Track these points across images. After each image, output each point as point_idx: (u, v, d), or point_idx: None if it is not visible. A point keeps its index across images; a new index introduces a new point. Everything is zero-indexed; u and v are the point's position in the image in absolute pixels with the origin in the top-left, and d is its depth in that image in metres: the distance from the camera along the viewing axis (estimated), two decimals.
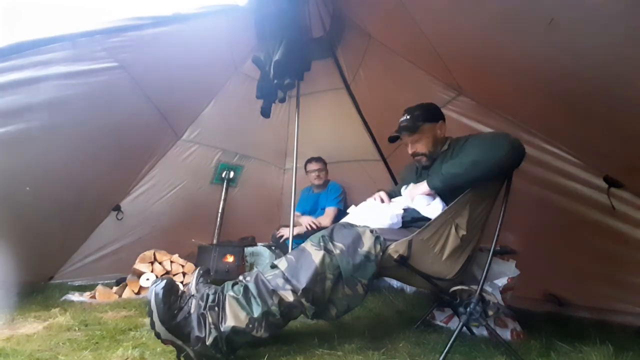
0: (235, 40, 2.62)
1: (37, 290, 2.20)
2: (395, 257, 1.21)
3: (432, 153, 1.53)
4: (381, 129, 3.11)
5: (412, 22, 1.93)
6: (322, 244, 1.22)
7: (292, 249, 2.07)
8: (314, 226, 2.58)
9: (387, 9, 2.10)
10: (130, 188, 2.75)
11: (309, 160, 2.89)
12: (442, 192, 1.37)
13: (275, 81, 2.18)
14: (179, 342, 1.11)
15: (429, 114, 1.55)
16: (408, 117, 1.55)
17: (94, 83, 1.92)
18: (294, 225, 2.31)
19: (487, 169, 1.26)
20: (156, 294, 1.10)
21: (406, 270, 1.26)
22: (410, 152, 1.57)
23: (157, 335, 1.10)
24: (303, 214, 2.87)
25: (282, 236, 2.69)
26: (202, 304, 1.15)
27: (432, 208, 1.38)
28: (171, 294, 1.14)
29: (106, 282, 2.51)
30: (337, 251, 1.20)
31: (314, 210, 2.88)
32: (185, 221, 2.98)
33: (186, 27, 2.16)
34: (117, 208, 2.68)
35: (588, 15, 1.12)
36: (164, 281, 1.14)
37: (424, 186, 1.40)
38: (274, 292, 1.16)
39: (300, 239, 2.33)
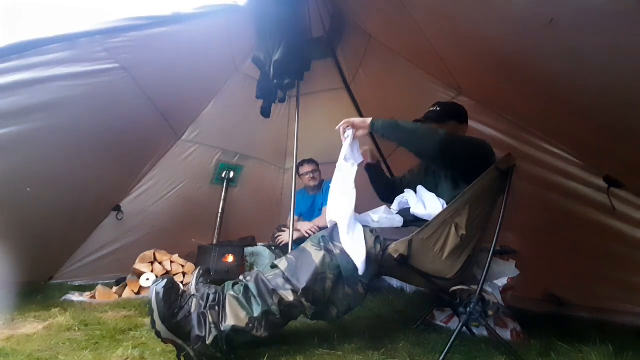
0: (235, 40, 2.62)
1: (37, 290, 2.20)
2: (395, 256, 1.21)
3: None
4: None
5: (412, 22, 1.93)
6: (322, 244, 1.22)
7: (292, 249, 2.07)
8: (312, 233, 2.56)
9: (387, 8, 2.10)
10: (130, 188, 2.75)
11: (301, 163, 2.81)
12: (377, 134, 1.42)
13: (275, 81, 2.18)
14: (179, 342, 1.11)
15: (459, 113, 1.62)
16: (438, 108, 1.60)
17: (94, 84, 1.93)
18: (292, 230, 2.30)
19: (415, 144, 1.37)
20: (157, 293, 1.10)
21: (406, 269, 1.26)
22: None
23: (158, 334, 1.10)
24: (300, 216, 2.86)
25: (281, 242, 2.68)
26: (203, 303, 1.16)
27: (434, 208, 1.38)
28: (172, 293, 1.14)
29: (106, 282, 2.52)
30: (337, 251, 1.20)
31: (312, 212, 2.85)
32: (185, 221, 2.98)
33: (186, 27, 2.16)
34: (117, 208, 2.69)
35: (587, 15, 1.12)
36: (165, 280, 1.14)
37: (366, 120, 1.43)
38: (274, 291, 1.16)
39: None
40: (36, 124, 1.79)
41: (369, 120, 1.42)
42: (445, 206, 1.36)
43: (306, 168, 2.82)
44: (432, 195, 1.45)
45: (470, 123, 2.16)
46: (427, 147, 1.34)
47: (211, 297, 1.17)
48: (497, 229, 1.35)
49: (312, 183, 2.81)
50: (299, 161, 2.83)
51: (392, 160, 3.11)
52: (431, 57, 2.06)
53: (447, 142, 1.32)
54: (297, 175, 2.47)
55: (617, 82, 1.27)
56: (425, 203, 1.43)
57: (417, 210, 1.42)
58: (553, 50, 1.35)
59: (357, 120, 1.45)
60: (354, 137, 1.45)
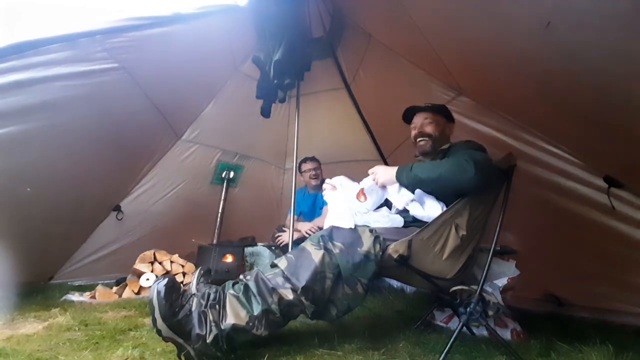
0: (235, 40, 2.62)
1: (37, 290, 2.20)
2: (395, 256, 1.21)
3: (435, 141, 1.57)
4: (381, 129, 3.12)
5: (412, 22, 1.93)
6: (321, 243, 1.22)
7: (291, 249, 2.07)
8: (311, 233, 2.56)
9: (386, 9, 2.11)
10: (130, 188, 2.75)
11: (304, 160, 2.84)
12: (406, 187, 1.39)
13: (275, 81, 2.18)
14: (180, 340, 1.12)
15: (448, 113, 1.68)
16: (430, 104, 1.66)
17: (94, 84, 1.93)
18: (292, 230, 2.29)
19: (448, 186, 1.31)
20: (158, 292, 1.11)
21: (406, 269, 1.26)
22: (416, 131, 1.62)
23: (159, 332, 1.11)
24: (300, 215, 2.86)
25: (281, 242, 2.68)
26: (203, 302, 1.16)
27: (432, 209, 1.38)
28: (173, 292, 1.14)
29: (106, 282, 2.52)
30: (336, 250, 1.20)
31: (313, 211, 2.85)
32: (185, 221, 2.98)
33: (186, 27, 2.16)
34: (117, 208, 2.69)
35: (583, 18, 1.13)
36: (166, 279, 1.14)
37: (391, 174, 1.39)
38: (274, 290, 1.16)
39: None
40: (36, 124, 1.78)
41: (394, 176, 1.38)
42: (444, 208, 1.35)
43: (309, 165, 2.83)
44: (432, 198, 1.44)
45: (471, 123, 2.18)
46: (463, 183, 1.26)
47: (212, 296, 1.18)
48: (497, 229, 1.35)
49: (314, 182, 2.81)
50: (301, 159, 2.84)
51: (391, 160, 3.11)
52: (431, 57, 2.06)
53: (481, 168, 1.24)
54: (298, 173, 2.47)
55: (616, 83, 1.27)
56: (425, 206, 1.43)
57: (416, 212, 1.42)
58: (551, 52, 1.35)
59: (384, 179, 1.41)
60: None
